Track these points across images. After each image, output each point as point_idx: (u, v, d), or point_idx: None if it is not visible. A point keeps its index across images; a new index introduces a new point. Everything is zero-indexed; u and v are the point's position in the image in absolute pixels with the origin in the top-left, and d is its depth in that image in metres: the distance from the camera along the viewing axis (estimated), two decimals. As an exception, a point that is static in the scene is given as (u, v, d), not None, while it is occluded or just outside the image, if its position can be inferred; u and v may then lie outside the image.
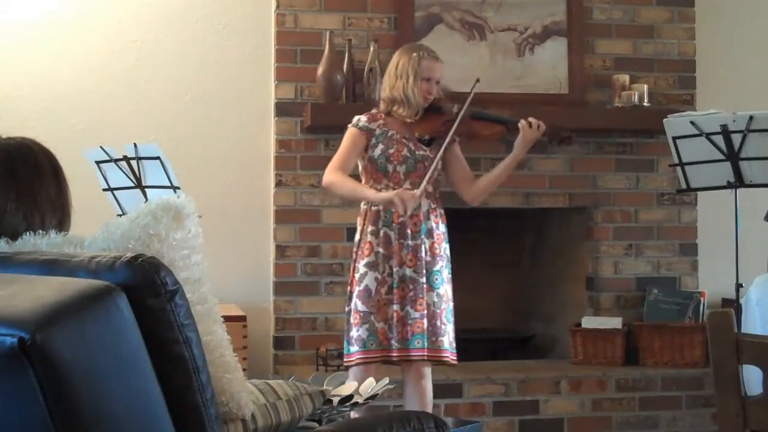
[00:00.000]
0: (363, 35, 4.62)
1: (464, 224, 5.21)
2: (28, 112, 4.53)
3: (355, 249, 3.69)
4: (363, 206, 3.70)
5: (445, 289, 3.66)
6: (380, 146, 3.65)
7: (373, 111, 3.75)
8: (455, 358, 3.68)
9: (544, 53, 4.80)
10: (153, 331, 1.60)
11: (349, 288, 3.68)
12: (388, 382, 2.55)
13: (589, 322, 4.74)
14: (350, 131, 3.69)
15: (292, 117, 4.59)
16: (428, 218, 3.65)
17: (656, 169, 4.87)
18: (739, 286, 3.81)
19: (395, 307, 3.56)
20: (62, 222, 1.97)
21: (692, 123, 3.81)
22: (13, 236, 1.87)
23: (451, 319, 3.67)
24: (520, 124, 3.67)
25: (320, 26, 4.59)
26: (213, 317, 1.80)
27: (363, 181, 3.72)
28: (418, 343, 3.56)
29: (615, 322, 4.70)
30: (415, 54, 3.69)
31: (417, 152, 3.65)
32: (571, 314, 4.96)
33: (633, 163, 4.86)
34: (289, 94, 4.60)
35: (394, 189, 3.60)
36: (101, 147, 3.73)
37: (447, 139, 3.65)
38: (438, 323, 3.60)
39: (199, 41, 4.71)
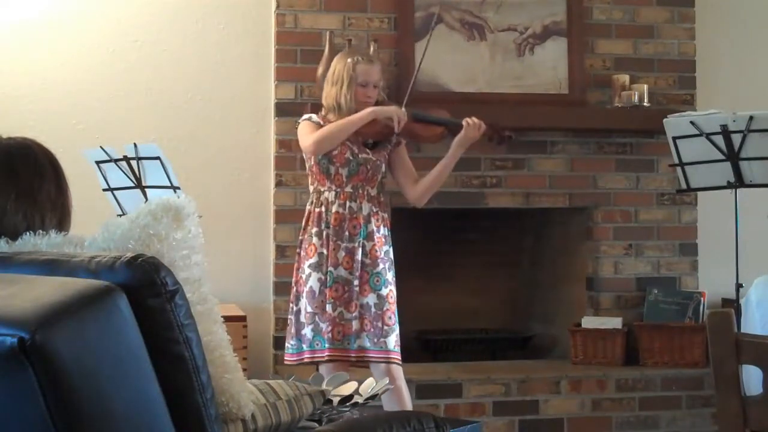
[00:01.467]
0: (363, 35, 4.62)
1: (464, 224, 5.22)
2: (28, 112, 4.53)
3: (298, 250, 3.75)
4: (308, 207, 3.75)
5: (389, 290, 3.68)
6: None
7: (321, 114, 3.81)
8: (399, 359, 3.68)
9: (544, 53, 4.80)
10: (153, 331, 1.60)
11: (294, 288, 3.73)
12: (387, 381, 2.55)
13: (589, 322, 4.74)
14: (306, 123, 3.74)
15: (292, 117, 4.58)
16: (369, 221, 3.69)
17: (656, 169, 4.87)
18: (739, 286, 3.81)
19: (328, 307, 3.61)
20: (62, 222, 1.97)
21: (692, 123, 3.81)
22: (13, 236, 1.87)
23: (395, 320, 3.68)
24: (464, 123, 3.74)
25: (320, 26, 4.59)
26: (213, 317, 1.80)
27: (309, 181, 3.79)
28: (347, 344, 3.61)
29: (615, 322, 4.70)
30: (349, 60, 3.74)
31: (360, 155, 3.70)
32: (571, 314, 4.96)
33: (633, 163, 4.86)
34: (289, 94, 4.60)
35: (336, 191, 3.67)
36: (101, 147, 3.73)
37: (393, 138, 3.74)
38: (380, 324, 3.63)
39: (199, 41, 4.71)
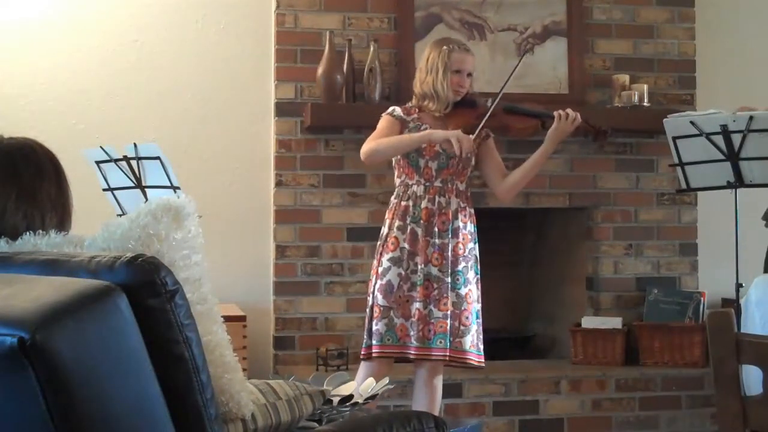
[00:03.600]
0: (363, 35, 4.62)
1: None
2: (28, 112, 4.53)
3: (380, 243, 3.66)
4: (393, 200, 3.68)
5: (468, 289, 3.61)
6: None
7: (408, 105, 3.73)
8: (480, 360, 3.62)
9: (544, 53, 4.80)
10: (153, 331, 1.60)
11: (370, 281, 3.66)
12: (387, 381, 2.55)
13: (589, 322, 4.74)
14: (385, 118, 3.67)
15: (292, 117, 4.59)
16: (456, 217, 3.62)
17: (656, 169, 4.87)
18: (739, 286, 3.80)
19: (418, 305, 3.53)
20: (62, 222, 1.97)
21: (692, 123, 3.81)
22: (13, 235, 1.87)
23: (476, 321, 3.62)
24: (555, 115, 3.63)
25: (320, 26, 4.59)
26: (213, 317, 1.80)
27: (396, 175, 3.71)
28: (440, 343, 3.53)
29: (615, 322, 4.70)
30: (444, 47, 3.67)
31: (450, 149, 3.57)
32: (571, 314, 4.96)
33: (633, 163, 4.86)
34: (289, 94, 4.60)
35: (425, 185, 3.60)
36: (101, 147, 3.73)
37: (477, 131, 3.60)
38: (458, 324, 3.56)
39: (199, 41, 4.71)
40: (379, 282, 3.58)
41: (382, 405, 3.81)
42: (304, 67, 4.58)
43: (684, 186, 3.99)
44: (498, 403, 4.41)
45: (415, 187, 3.62)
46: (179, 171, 3.72)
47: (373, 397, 2.41)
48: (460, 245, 3.61)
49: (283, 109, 4.60)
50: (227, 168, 4.70)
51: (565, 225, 5.10)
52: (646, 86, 4.75)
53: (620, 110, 4.71)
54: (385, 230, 3.65)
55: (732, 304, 3.84)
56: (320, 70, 4.47)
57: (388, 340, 3.54)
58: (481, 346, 3.64)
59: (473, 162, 3.68)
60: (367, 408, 2.50)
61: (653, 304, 4.75)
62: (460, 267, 3.60)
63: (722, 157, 3.78)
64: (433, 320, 3.53)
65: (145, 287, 1.60)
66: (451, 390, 4.34)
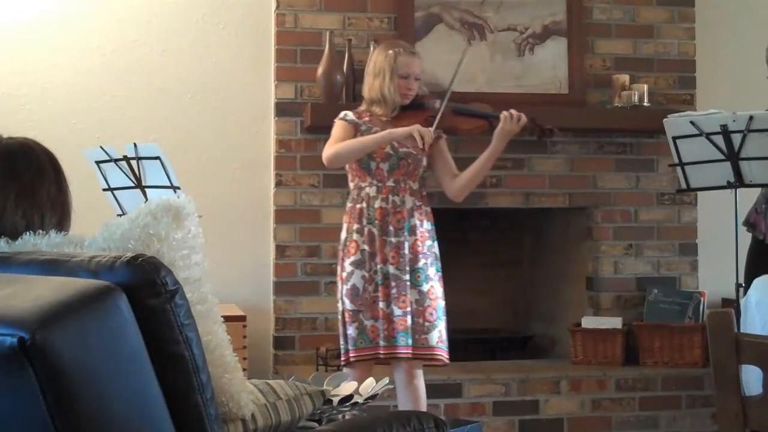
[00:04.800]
0: (363, 35, 4.62)
1: (464, 224, 5.22)
2: (28, 112, 4.53)
3: (340, 248, 3.71)
4: (348, 204, 3.73)
5: (431, 286, 3.64)
6: None
7: (359, 109, 3.79)
8: (446, 356, 3.66)
9: (544, 53, 4.80)
10: (153, 331, 1.60)
11: (337, 288, 3.70)
12: (388, 381, 2.55)
13: (589, 322, 4.74)
14: (339, 123, 3.73)
15: (292, 117, 4.59)
16: (412, 215, 3.66)
17: (656, 169, 4.87)
18: (739, 286, 3.80)
19: (381, 304, 3.58)
20: (62, 221, 1.97)
21: (692, 123, 3.81)
22: (13, 235, 1.87)
23: (442, 317, 3.65)
24: (501, 116, 3.68)
25: (320, 26, 4.59)
26: (213, 317, 1.80)
27: (349, 179, 3.76)
28: (402, 340, 3.57)
29: (615, 322, 4.70)
30: (391, 51, 3.71)
31: (400, 150, 3.66)
32: (571, 314, 4.96)
33: (633, 163, 4.86)
34: (289, 94, 4.60)
35: (378, 186, 3.65)
36: (101, 147, 3.73)
37: (434, 125, 3.66)
38: (422, 321, 3.60)
39: (199, 41, 4.71)
40: (345, 287, 3.62)
41: (382, 405, 3.81)
42: (304, 67, 4.58)
43: (684, 186, 3.98)
44: (498, 403, 4.41)
45: (368, 189, 3.66)
46: (179, 171, 3.72)
47: (373, 397, 2.40)
48: (419, 243, 3.65)
49: (283, 109, 4.60)
50: (227, 168, 4.70)
51: (565, 225, 5.10)
52: (646, 86, 4.75)
53: (620, 110, 4.71)
54: (344, 235, 3.70)
55: (732, 304, 3.84)
56: (320, 70, 4.47)
57: (361, 343, 3.59)
58: (447, 343, 3.66)
59: (425, 162, 3.72)
60: (366, 408, 2.50)
61: (653, 304, 4.74)
62: (420, 264, 3.63)
63: (722, 157, 3.78)
64: (394, 318, 3.57)
65: (145, 287, 1.60)
66: (451, 390, 4.34)
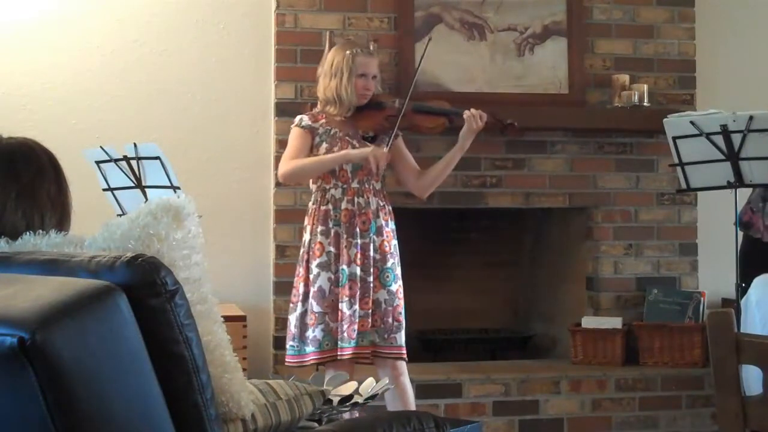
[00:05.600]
0: (363, 35, 4.61)
1: (464, 224, 5.22)
2: (28, 112, 4.53)
3: (305, 249, 3.71)
4: (311, 206, 3.75)
5: (398, 285, 3.68)
6: (324, 145, 3.70)
7: (314, 111, 3.82)
8: (405, 355, 3.69)
9: (544, 53, 4.80)
10: (153, 331, 1.60)
11: (298, 288, 3.70)
12: (388, 381, 2.55)
13: (589, 322, 4.74)
14: (294, 131, 3.76)
15: (292, 117, 4.57)
16: (377, 216, 3.68)
17: (656, 169, 4.86)
18: (739, 286, 3.80)
19: (343, 305, 3.59)
20: (62, 221, 1.97)
21: (692, 123, 3.81)
22: (13, 235, 1.87)
23: (403, 316, 3.69)
24: (465, 115, 3.72)
25: (320, 26, 4.59)
26: (213, 317, 1.80)
27: (311, 181, 3.78)
28: (363, 341, 3.60)
29: (615, 322, 4.70)
30: (348, 52, 3.74)
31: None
32: (571, 314, 4.96)
33: (633, 163, 4.86)
34: (289, 94, 4.60)
35: (343, 187, 3.67)
36: (101, 147, 3.73)
37: (392, 134, 3.71)
38: (391, 320, 3.63)
39: (199, 41, 4.71)
40: (312, 289, 3.63)
41: (382, 405, 3.81)
42: (304, 67, 4.57)
43: (684, 186, 3.99)
44: (498, 403, 4.41)
45: (333, 191, 3.68)
46: (179, 171, 3.72)
47: (373, 397, 2.41)
48: (386, 243, 3.68)
49: (283, 109, 4.59)
50: (227, 168, 4.70)
51: (565, 225, 5.10)
52: (646, 86, 4.74)
53: (620, 110, 4.70)
54: (307, 237, 3.71)
55: (732, 304, 3.84)
56: (320, 70, 4.46)
57: (327, 345, 3.61)
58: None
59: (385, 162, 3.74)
60: (366, 408, 2.50)
61: (653, 304, 4.74)
62: (388, 264, 3.66)
63: (722, 157, 3.78)
64: (356, 319, 3.59)
65: (145, 287, 1.60)
66: (451, 390, 4.34)
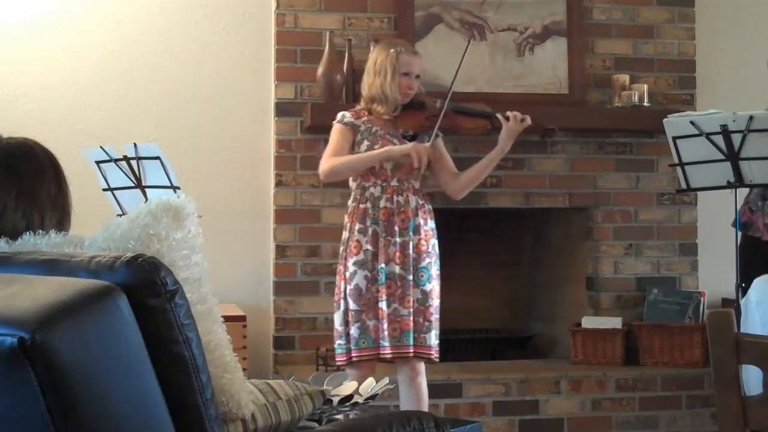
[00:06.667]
0: (363, 35, 4.62)
1: (464, 224, 5.22)
2: (28, 112, 4.53)
3: (342, 248, 3.70)
4: (350, 204, 3.73)
5: (432, 286, 3.66)
6: (365, 143, 3.68)
7: (357, 108, 3.79)
8: (438, 356, 3.69)
9: (544, 53, 4.80)
10: (153, 331, 1.60)
11: (337, 287, 3.70)
12: (388, 381, 2.55)
13: (589, 322, 4.74)
14: (336, 127, 3.73)
15: (292, 117, 4.59)
16: (416, 214, 3.66)
17: (656, 169, 4.87)
18: (739, 286, 3.80)
19: (383, 304, 3.57)
20: (62, 221, 1.97)
21: (692, 123, 3.81)
22: (13, 234, 1.87)
23: (437, 317, 3.67)
24: (504, 117, 3.70)
25: (320, 26, 4.59)
26: (213, 317, 1.80)
27: (351, 179, 3.75)
28: (406, 340, 3.58)
29: (615, 322, 4.70)
30: (392, 50, 3.72)
31: None
32: (571, 314, 4.96)
33: (633, 163, 4.86)
34: (289, 94, 4.60)
35: (382, 185, 3.65)
36: (101, 147, 3.73)
37: (433, 134, 3.69)
38: (422, 320, 3.61)
39: (199, 41, 4.71)
40: (348, 287, 3.62)
41: (382, 405, 3.81)
42: (304, 67, 4.58)
43: (684, 186, 3.98)
44: (498, 403, 4.41)
45: (372, 189, 3.66)
46: (179, 171, 3.72)
47: (373, 397, 2.41)
48: (423, 242, 3.65)
49: (283, 109, 4.60)
50: (227, 168, 4.70)
51: (565, 225, 5.10)
52: (646, 86, 4.75)
53: (620, 110, 4.71)
54: (346, 234, 3.69)
55: (732, 304, 3.84)
56: (320, 70, 4.47)
57: (364, 343, 3.59)
58: (437, 342, 3.68)
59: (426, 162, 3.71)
60: (366, 408, 2.50)
61: (653, 304, 4.74)
62: (424, 263, 3.64)
63: (722, 157, 3.78)
64: (399, 318, 3.57)
65: (145, 287, 1.60)
66: (451, 390, 4.34)
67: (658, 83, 4.88)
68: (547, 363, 4.86)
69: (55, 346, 1.41)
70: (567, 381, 4.50)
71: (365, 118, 3.72)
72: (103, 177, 3.79)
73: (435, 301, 3.66)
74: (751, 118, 3.69)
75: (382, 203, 3.64)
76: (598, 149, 4.83)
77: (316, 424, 2.16)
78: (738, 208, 3.97)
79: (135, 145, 3.66)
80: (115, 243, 1.75)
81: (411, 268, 3.61)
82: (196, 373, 1.64)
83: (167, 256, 1.71)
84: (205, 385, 1.66)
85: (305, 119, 4.52)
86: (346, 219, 3.72)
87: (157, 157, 3.61)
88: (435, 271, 3.69)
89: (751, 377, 2.30)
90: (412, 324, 3.58)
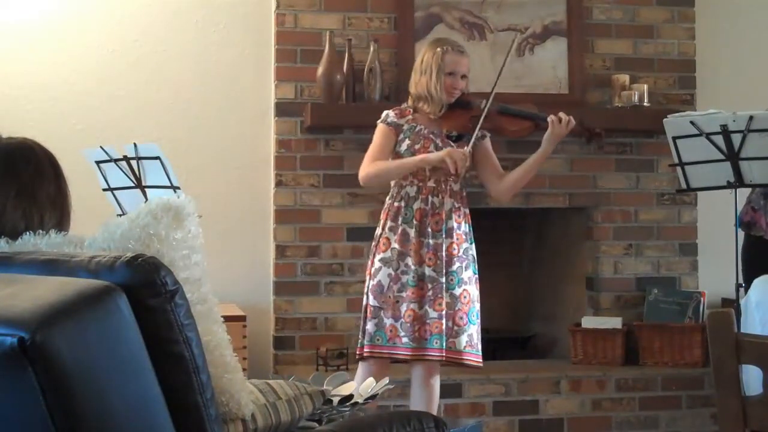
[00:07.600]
0: (363, 35, 4.62)
1: (464, 224, 5.21)
2: (28, 112, 4.53)
3: (374, 243, 3.67)
4: (387, 201, 3.69)
5: (463, 290, 3.60)
6: (407, 141, 3.64)
7: (403, 106, 3.75)
8: (478, 360, 3.62)
9: (544, 53, 4.80)
10: (153, 331, 1.60)
11: (366, 282, 3.67)
12: (387, 381, 2.55)
13: (589, 322, 4.74)
14: (379, 128, 3.69)
15: (292, 117, 4.59)
16: (450, 217, 3.61)
17: (656, 169, 4.87)
18: (739, 286, 3.80)
19: (412, 305, 3.53)
20: (61, 221, 1.97)
21: (692, 123, 3.81)
22: (12, 234, 1.87)
23: (474, 321, 3.62)
24: (549, 120, 3.64)
25: (320, 26, 4.59)
26: (213, 317, 1.80)
27: None
28: (436, 343, 3.52)
29: (615, 322, 4.70)
30: (439, 49, 3.68)
31: (444, 148, 3.60)
32: (571, 314, 4.96)
33: (633, 163, 4.86)
34: (289, 94, 4.60)
35: (418, 186, 3.61)
36: (101, 147, 3.73)
37: (474, 135, 3.64)
38: (451, 324, 3.55)
39: (199, 41, 4.71)
40: (371, 282, 3.60)
41: (382, 405, 3.81)
42: (304, 67, 4.58)
43: (684, 186, 3.98)
44: (498, 403, 4.41)
45: (408, 188, 3.63)
46: (179, 171, 3.72)
47: (373, 397, 2.41)
48: (455, 245, 3.61)
49: (283, 109, 4.60)
50: (227, 168, 4.70)
51: (565, 225, 5.10)
52: (646, 86, 4.75)
53: (620, 110, 4.71)
54: (378, 230, 3.67)
55: (732, 304, 3.84)
56: (320, 70, 4.47)
57: (378, 340, 3.56)
58: (479, 346, 3.63)
59: (468, 162, 3.66)
60: (367, 408, 2.50)
61: (653, 304, 4.74)
62: (454, 267, 3.60)
63: (722, 157, 3.78)
64: (428, 321, 3.53)
65: (145, 287, 1.60)
66: (451, 390, 4.34)
67: (658, 83, 4.88)
68: (547, 363, 4.86)
69: (55, 346, 1.41)
70: (567, 381, 4.50)
71: (410, 116, 3.68)
72: (103, 177, 3.79)
73: (467, 306, 3.59)
74: (751, 118, 3.68)
75: (416, 204, 3.60)
76: (598, 149, 4.82)
77: (316, 424, 2.16)
78: (738, 208, 3.97)
79: (135, 145, 3.66)
80: (115, 243, 1.75)
81: (443, 271, 3.57)
82: (196, 373, 1.64)
83: (167, 256, 1.71)
84: (205, 385, 1.66)
85: (305, 119, 4.52)
86: (382, 215, 3.68)
87: (157, 157, 3.61)
88: (468, 274, 3.63)
89: (751, 377, 2.30)
90: (443, 327, 3.52)
